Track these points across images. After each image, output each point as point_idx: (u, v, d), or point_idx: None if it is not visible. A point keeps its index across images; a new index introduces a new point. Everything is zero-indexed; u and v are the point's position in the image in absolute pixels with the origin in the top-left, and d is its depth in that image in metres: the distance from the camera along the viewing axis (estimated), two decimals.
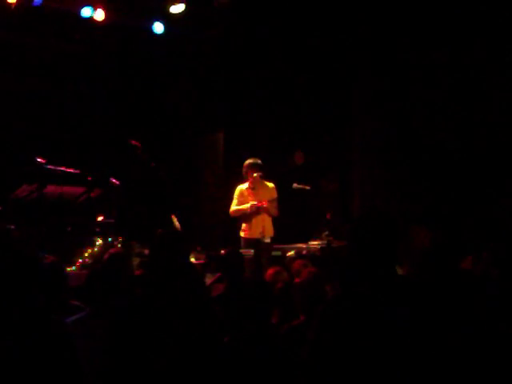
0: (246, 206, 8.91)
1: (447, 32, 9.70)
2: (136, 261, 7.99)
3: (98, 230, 9.12)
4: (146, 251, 7.99)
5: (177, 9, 10.66)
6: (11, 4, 9.57)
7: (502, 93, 9.31)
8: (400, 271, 3.46)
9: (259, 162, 8.98)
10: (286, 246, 9.32)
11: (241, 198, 9.03)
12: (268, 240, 8.89)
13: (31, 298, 3.36)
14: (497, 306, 3.96)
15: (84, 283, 4.85)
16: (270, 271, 6.02)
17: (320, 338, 3.03)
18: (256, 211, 8.89)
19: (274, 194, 9.06)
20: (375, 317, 2.94)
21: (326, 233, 9.13)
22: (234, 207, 9.05)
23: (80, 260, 8.62)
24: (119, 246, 8.66)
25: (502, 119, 9.36)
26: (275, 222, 9.11)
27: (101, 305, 4.64)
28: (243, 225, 9.05)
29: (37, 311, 3.34)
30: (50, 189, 9.01)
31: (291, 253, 9.07)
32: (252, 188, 8.98)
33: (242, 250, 7.62)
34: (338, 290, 4.84)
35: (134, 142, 9.37)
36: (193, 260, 8.87)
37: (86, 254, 8.73)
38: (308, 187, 9.48)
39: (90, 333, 4.29)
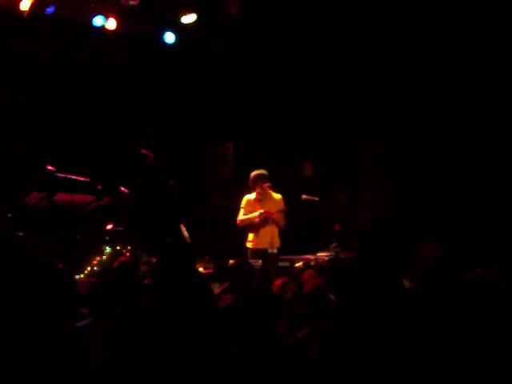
0: (254, 214, 8.86)
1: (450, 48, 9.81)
2: (144, 269, 8.03)
3: (106, 238, 9.16)
4: (154, 260, 8.01)
5: (188, 19, 10.72)
6: (24, 12, 9.63)
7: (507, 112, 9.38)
8: (407, 284, 3.46)
9: (266, 173, 8.94)
10: (294, 256, 9.31)
11: (248, 207, 8.98)
12: (275, 250, 8.86)
13: (41, 304, 3.39)
14: (503, 321, 3.96)
15: (89, 291, 4.87)
16: (278, 282, 6.00)
17: (324, 351, 3.04)
18: (264, 221, 8.86)
19: (281, 205, 9.02)
20: (380, 330, 2.95)
21: (334, 244, 9.12)
22: (241, 217, 9.01)
23: (88, 268, 8.66)
24: (128, 254, 8.69)
25: (508, 133, 9.40)
26: (284, 232, 9.08)
27: (106, 312, 4.66)
28: (250, 235, 8.99)
29: (47, 317, 3.37)
30: (60, 196, 9.06)
31: (299, 264, 9.07)
32: (260, 199, 8.94)
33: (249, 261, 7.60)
34: (343, 302, 4.84)
35: (144, 151, 9.42)
36: (201, 270, 8.88)
37: (95, 262, 8.76)
38: (317, 198, 9.45)
39: (96, 339, 4.32)
